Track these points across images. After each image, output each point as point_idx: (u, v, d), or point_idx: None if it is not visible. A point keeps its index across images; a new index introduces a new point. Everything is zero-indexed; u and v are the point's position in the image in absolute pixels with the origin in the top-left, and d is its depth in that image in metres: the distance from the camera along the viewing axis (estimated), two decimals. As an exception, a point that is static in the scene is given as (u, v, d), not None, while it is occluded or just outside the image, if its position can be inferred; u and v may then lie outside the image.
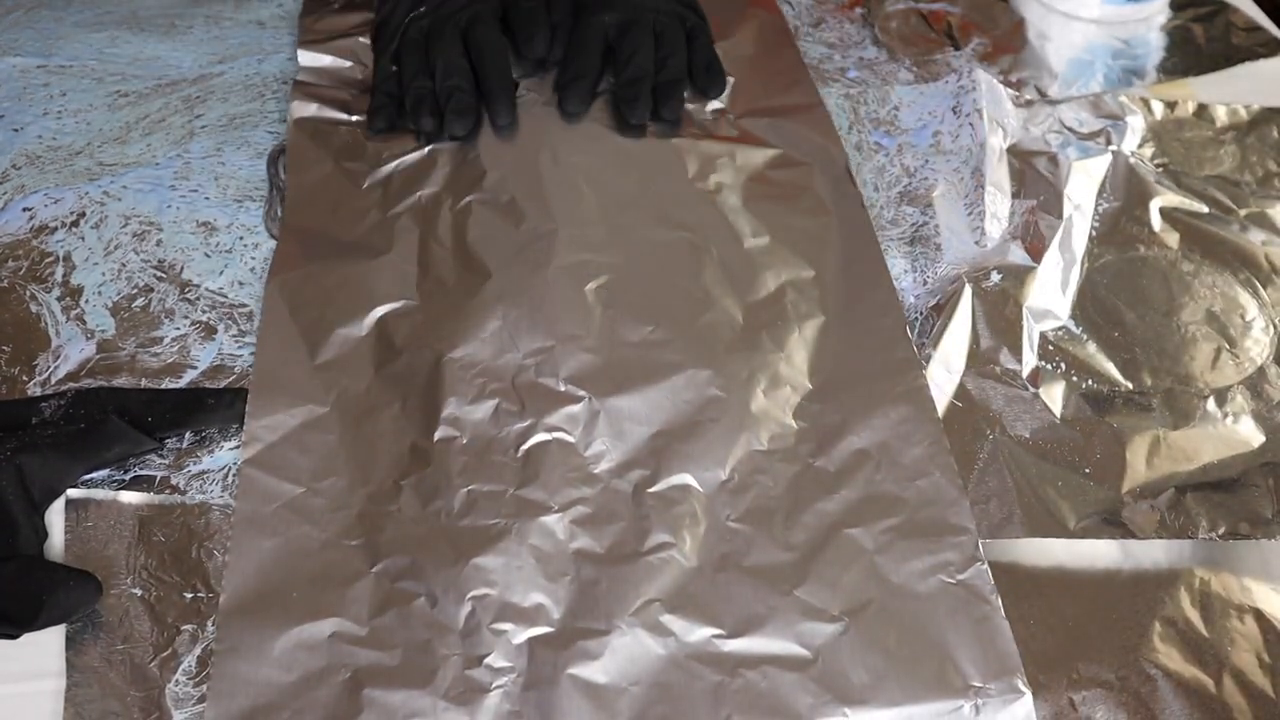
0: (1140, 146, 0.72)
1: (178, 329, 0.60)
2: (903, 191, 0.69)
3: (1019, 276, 0.63)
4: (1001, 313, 0.61)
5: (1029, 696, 0.47)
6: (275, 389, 0.55)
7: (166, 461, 0.54)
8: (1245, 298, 0.64)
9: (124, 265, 0.63)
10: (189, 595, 0.50)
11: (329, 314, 0.59)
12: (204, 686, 0.47)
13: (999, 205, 0.67)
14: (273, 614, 0.48)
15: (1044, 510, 0.54)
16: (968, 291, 0.62)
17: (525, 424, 0.54)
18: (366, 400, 0.56)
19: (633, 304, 0.59)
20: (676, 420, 0.55)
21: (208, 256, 0.64)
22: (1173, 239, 0.67)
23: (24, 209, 0.65)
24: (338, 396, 0.56)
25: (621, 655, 0.47)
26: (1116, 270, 0.65)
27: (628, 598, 0.49)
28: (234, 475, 0.54)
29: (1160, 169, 0.71)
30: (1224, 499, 0.54)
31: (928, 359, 0.59)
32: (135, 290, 0.62)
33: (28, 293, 0.61)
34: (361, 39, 0.75)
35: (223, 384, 0.57)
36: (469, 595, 0.49)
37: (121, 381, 0.57)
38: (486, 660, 0.47)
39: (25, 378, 0.57)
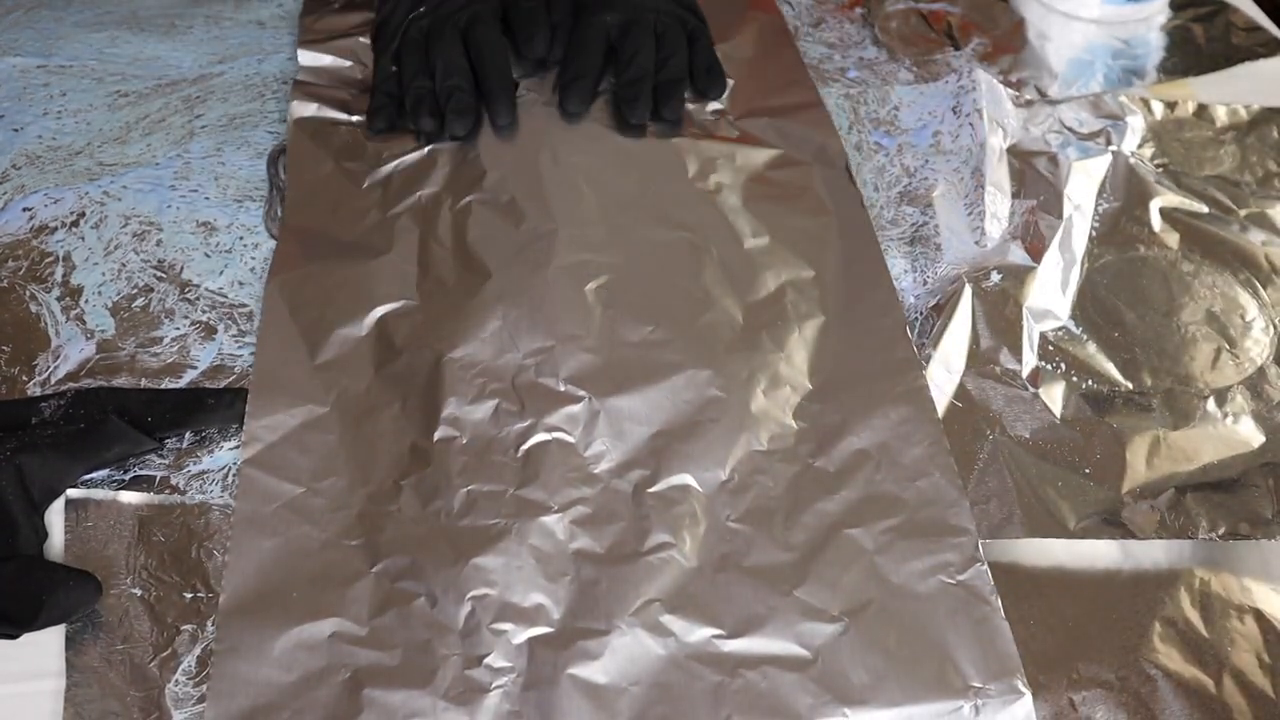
0: (1140, 146, 0.72)
1: (178, 329, 0.60)
2: (903, 191, 0.69)
3: (1019, 276, 0.63)
4: (1001, 313, 0.61)
5: (1029, 697, 0.47)
6: (275, 389, 0.55)
7: (166, 461, 0.54)
8: (1245, 298, 0.64)
9: (124, 265, 0.63)
10: (189, 595, 0.50)
11: (329, 314, 0.59)
12: (204, 686, 0.47)
13: (999, 205, 0.67)
14: (273, 614, 0.48)
15: (1044, 510, 0.54)
16: (968, 291, 0.62)
17: (525, 424, 0.54)
18: (366, 400, 0.56)
19: (633, 304, 0.59)
20: (676, 420, 0.55)
21: (208, 256, 0.64)
22: (1173, 239, 0.67)
23: (24, 209, 0.65)
24: (338, 396, 0.56)
25: (621, 655, 0.47)
26: (1116, 270, 0.65)
27: (628, 598, 0.49)
28: (234, 475, 0.54)
29: (1160, 169, 0.71)
30: (1224, 499, 0.54)
31: (928, 359, 0.59)
32: (135, 290, 0.62)
33: (28, 293, 0.61)
34: (362, 39, 0.75)
35: (223, 384, 0.57)
36: (469, 595, 0.49)
37: (121, 381, 0.57)
38: (486, 660, 0.47)
39: (25, 378, 0.57)
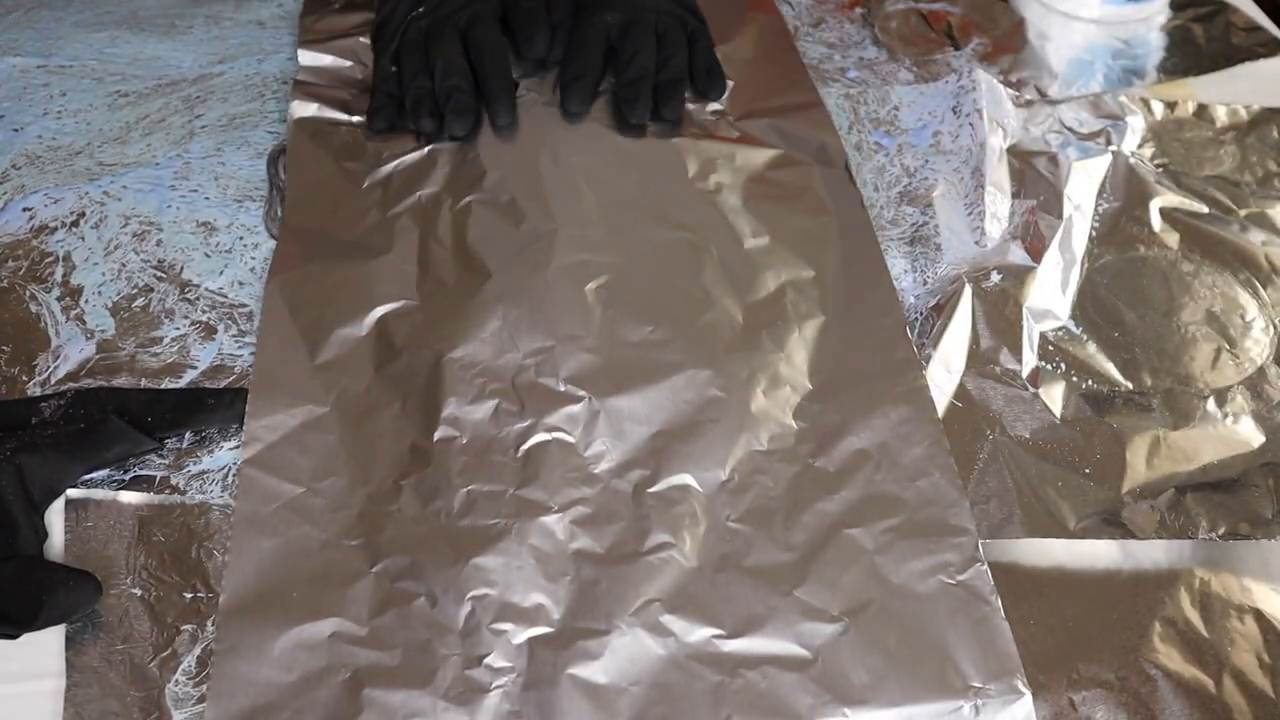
0: (1140, 147, 0.72)
1: (178, 329, 0.60)
2: (903, 191, 0.69)
3: (1019, 276, 0.63)
4: (1001, 313, 0.61)
5: (1029, 697, 0.47)
6: (275, 389, 0.55)
7: (166, 461, 0.54)
8: (1245, 298, 0.64)
9: (124, 265, 0.63)
10: (189, 595, 0.50)
11: (329, 314, 0.59)
12: (204, 686, 0.47)
13: (999, 205, 0.67)
14: (273, 614, 0.48)
15: (1044, 510, 0.54)
16: (968, 291, 0.62)
17: (525, 424, 0.54)
18: (366, 400, 0.56)
19: (633, 304, 0.59)
20: (676, 420, 0.55)
21: (208, 256, 0.64)
22: (1173, 239, 0.67)
23: (24, 209, 0.65)
24: (338, 396, 0.56)
25: (621, 655, 0.47)
26: (1116, 270, 0.65)
27: (628, 598, 0.49)
28: (234, 475, 0.54)
29: (1160, 169, 0.71)
30: (1224, 499, 0.54)
31: (928, 359, 0.59)
32: (135, 290, 0.62)
33: (28, 293, 0.61)
34: (362, 39, 0.75)
35: (223, 384, 0.57)
36: (469, 595, 0.49)
37: (121, 381, 0.57)
38: (486, 660, 0.47)
39: (25, 378, 0.57)
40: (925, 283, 0.64)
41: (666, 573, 0.50)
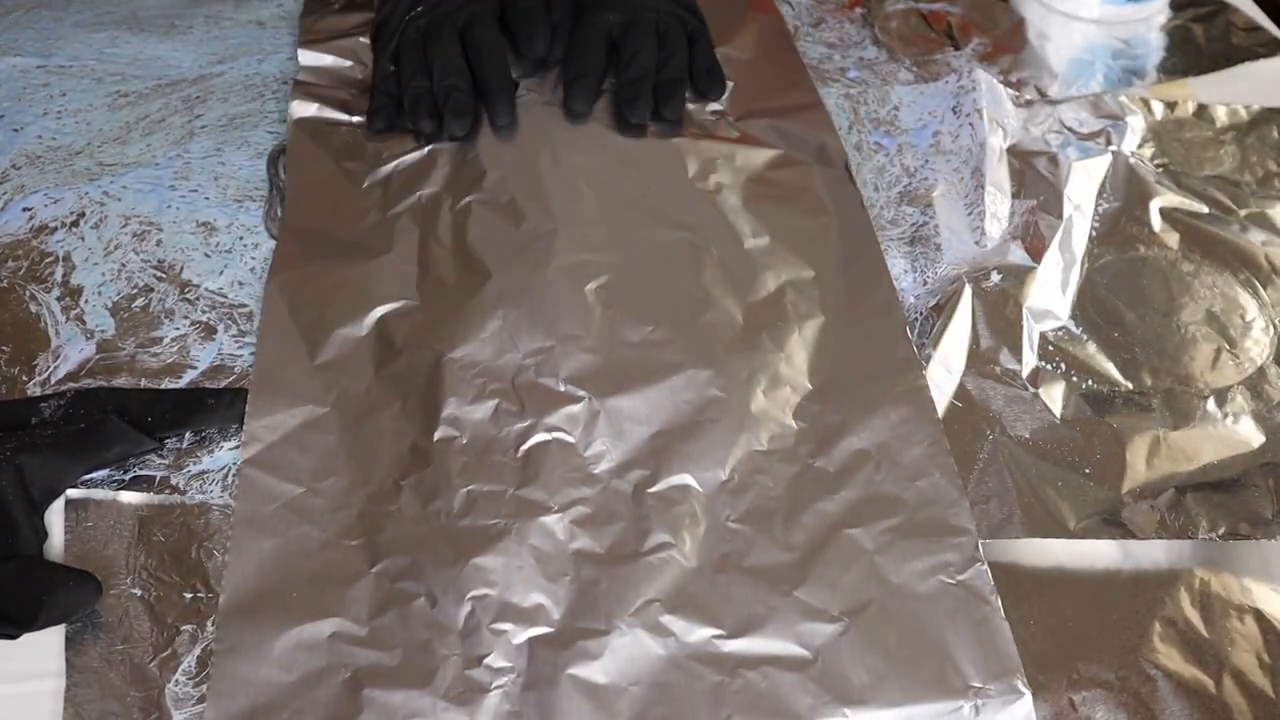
0: (1140, 147, 0.72)
1: (177, 329, 0.60)
2: (903, 191, 0.69)
3: (1019, 276, 0.63)
4: (1001, 313, 0.61)
5: (1029, 697, 0.47)
6: (275, 389, 0.55)
7: (166, 461, 0.54)
8: (1245, 298, 0.64)
9: (124, 265, 0.63)
10: (189, 595, 0.50)
11: (329, 314, 0.59)
12: (204, 686, 0.47)
13: (999, 205, 0.67)
14: (273, 614, 0.48)
15: (1044, 510, 0.54)
16: (968, 291, 0.62)
17: (525, 424, 0.54)
18: (366, 400, 0.56)
19: (633, 304, 0.59)
20: (676, 420, 0.55)
21: (208, 256, 0.64)
22: (1173, 239, 0.67)
23: (24, 209, 0.65)
24: (338, 396, 0.56)
25: (621, 655, 0.47)
26: (1116, 270, 0.65)
27: (628, 598, 0.49)
28: (234, 475, 0.54)
29: (1160, 169, 0.71)
30: (1224, 499, 0.54)
31: (928, 359, 0.59)
32: (135, 290, 0.62)
33: (27, 293, 0.61)
34: (361, 39, 0.75)
35: (223, 384, 0.57)
36: (469, 595, 0.49)
37: (121, 381, 0.57)
38: (486, 660, 0.47)
39: (25, 378, 0.57)
40: (925, 283, 0.64)
41: (666, 573, 0.50)
